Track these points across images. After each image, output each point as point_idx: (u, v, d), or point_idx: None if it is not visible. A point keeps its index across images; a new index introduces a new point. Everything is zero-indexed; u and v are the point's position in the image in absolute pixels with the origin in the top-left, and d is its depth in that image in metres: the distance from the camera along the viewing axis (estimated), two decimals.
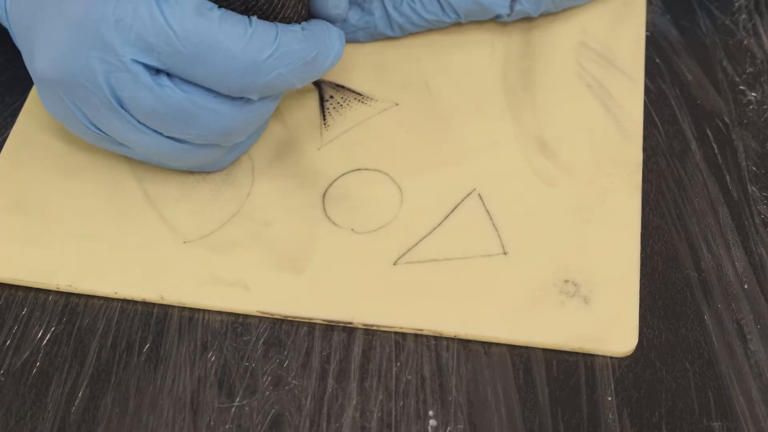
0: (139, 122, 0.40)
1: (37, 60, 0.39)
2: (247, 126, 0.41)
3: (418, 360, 0.41)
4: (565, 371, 0.40)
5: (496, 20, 0.49)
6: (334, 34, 0.41)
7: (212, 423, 0.39)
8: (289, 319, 0.42)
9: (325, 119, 0.47)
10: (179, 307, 0.42)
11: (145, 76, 0.38)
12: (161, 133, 0.41)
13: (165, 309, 0.42)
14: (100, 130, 0.41)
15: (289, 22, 0.40)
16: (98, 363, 0.41)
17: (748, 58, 0.49)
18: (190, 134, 0.40)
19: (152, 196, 0.44)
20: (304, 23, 0.41)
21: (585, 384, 0.40)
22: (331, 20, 0.42)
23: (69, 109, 0.40)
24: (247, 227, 0.43)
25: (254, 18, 0.39)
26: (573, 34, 0.49)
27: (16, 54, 0.42)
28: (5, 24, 0.42)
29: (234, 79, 0.39)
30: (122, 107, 0.39)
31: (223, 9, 0.38)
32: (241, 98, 0.40)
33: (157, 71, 0.39)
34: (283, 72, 0.39)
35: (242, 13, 0.39)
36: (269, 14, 0.39)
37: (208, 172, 0.45)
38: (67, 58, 0.38)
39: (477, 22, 0.49)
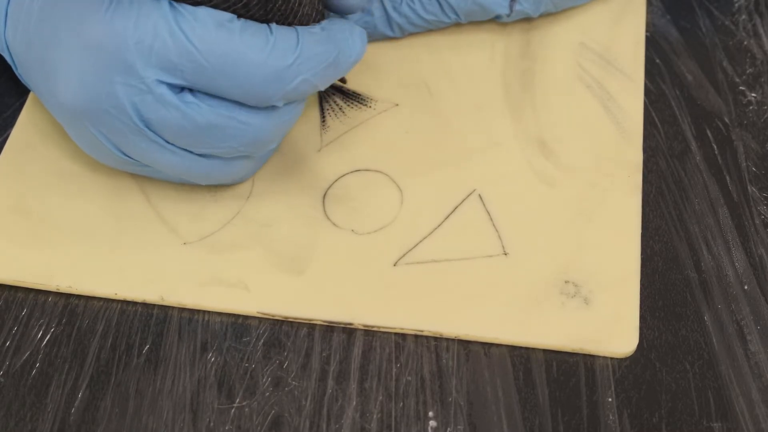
0: (168, 142, 0.40)
1: (62, 91, 0.39)
2: (276, 132, 0.41)
3: (418, 361, 0.41)
4: (565, 372, 0.40)
5: (495, 21, 0.49)
6: (356, 33, 0.41)
7: (212, 424, 0.39)
8: (289, 320, 0.42)
9: (324, 120, 0.47)
10: (179, 308, 0.42)
11: (170, 96, 0.38)
12: (191, 151, 0.40)
13: (165, 310, 0.42)
14: (128, 156, 0.41)
15: (308, 20, 0.40)
16: (98, 364, 0.41)
17: (748, 59, 0.49)
18: (220, 148, 0.40)
19: (152, 197, 0.44)
20: (323, 23, 0.40)
21: (585, 385, 0.40)
22: (351, 10, 0.42)
23: (96, 139, 0.40)
24: (247, 228, 0.43)
25: (274, 25, 0.39)
26: (573, 35, 0.49)
27: None
28: (4, 54, 0.41)
29: (259, 88, 0.38)
30: (149, 129, 0.39)
31: (242, 20, 0.38)
32: (267, 106, 0.40)
33: (181, 89, 0.38)
34: (307, 76, 0.39)
35: (261, 16, 0.38)
36: (288, 14, 0.39)
37: None
38: (91, 85, 0.38)
39: (477, 23, 0.49)
